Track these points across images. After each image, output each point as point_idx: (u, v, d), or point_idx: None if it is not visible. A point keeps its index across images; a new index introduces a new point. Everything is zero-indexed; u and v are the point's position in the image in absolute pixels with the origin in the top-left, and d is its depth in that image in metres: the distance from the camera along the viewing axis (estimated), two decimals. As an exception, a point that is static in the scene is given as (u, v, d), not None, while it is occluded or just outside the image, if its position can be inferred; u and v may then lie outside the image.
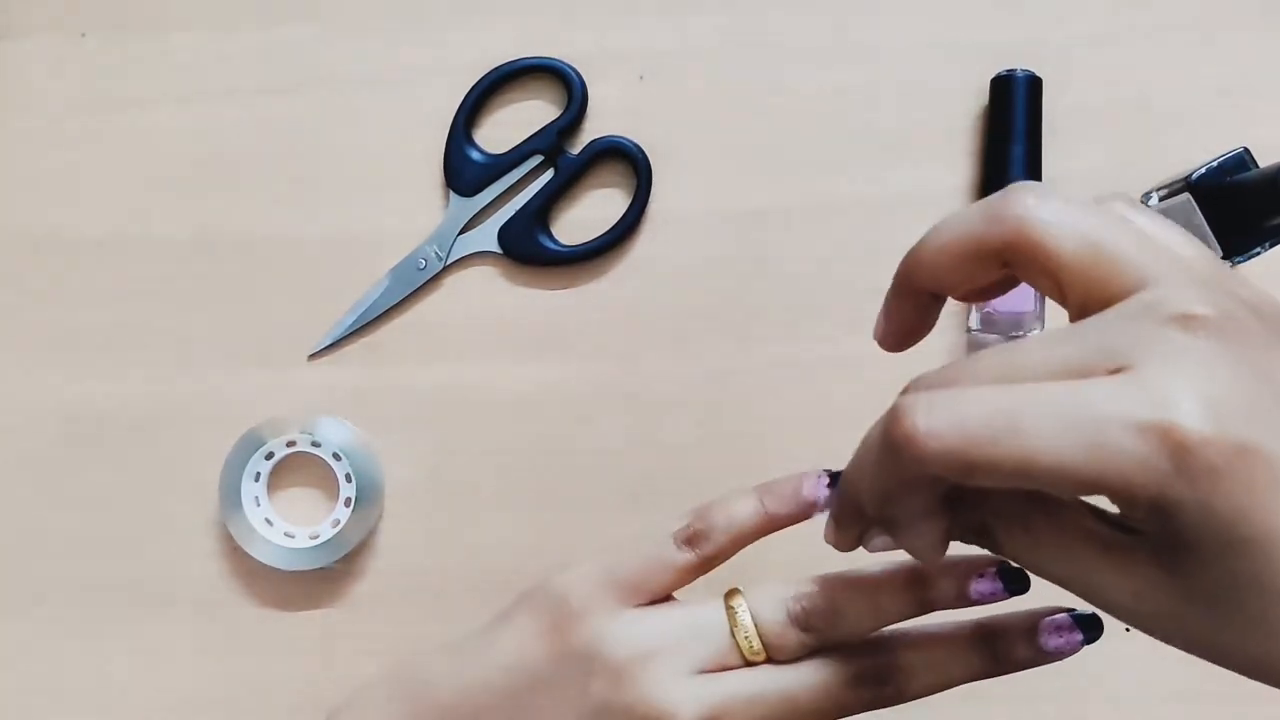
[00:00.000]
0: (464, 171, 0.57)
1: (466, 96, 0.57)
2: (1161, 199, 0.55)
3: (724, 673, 0.38)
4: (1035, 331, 0.55)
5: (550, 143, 0.57)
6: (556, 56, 0.57)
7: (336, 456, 0.57)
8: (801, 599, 0.38)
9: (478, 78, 0.57)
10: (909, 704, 0.45)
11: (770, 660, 0.38)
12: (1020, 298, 0.54)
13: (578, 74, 0.57)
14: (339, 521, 0.56)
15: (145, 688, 0.57)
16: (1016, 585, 0.37)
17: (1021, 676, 0.57)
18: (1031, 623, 0.37)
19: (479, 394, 0.57)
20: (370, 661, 0.57)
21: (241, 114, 0.58)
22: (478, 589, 0.57)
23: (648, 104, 0.57)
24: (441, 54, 0.58)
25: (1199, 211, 0.52)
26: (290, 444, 0.57)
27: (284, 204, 0.58)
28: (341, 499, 0.57)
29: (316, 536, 0.57)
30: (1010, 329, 0.55)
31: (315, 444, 0.57)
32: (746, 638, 0.38)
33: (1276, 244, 0.52)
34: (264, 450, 0.57)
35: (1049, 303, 0.56)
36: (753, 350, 0.57)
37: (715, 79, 0.57)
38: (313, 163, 0.58)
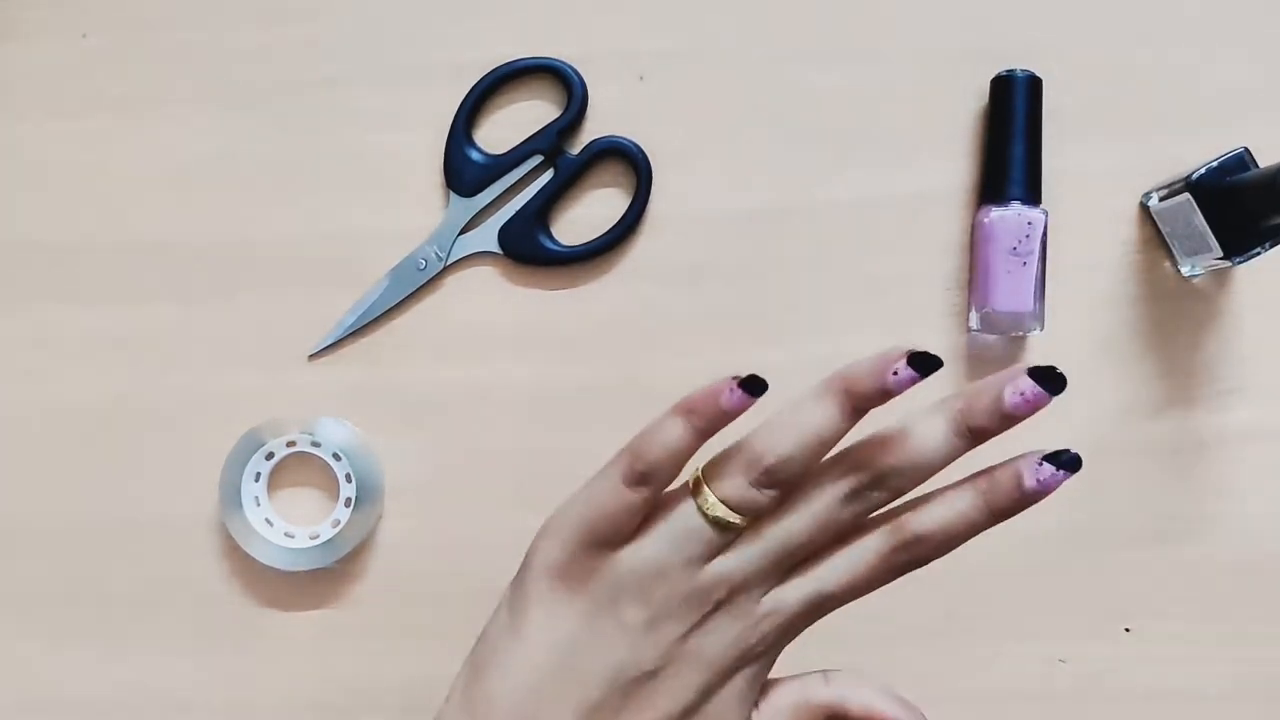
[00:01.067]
0: (464, 171, 0.57)
1: (466, 96, 0.57)
2: (1161, 199, 0.55)
3: (726, 547, 0.41)
4: (1035, 331, 0.55)
5: (550, 143, 0.57)
6: (556, 56, 0.57)
7: (336, 456, 0.57)
8: (752, 469, 0.40)
9: (478, 78, 0.57)
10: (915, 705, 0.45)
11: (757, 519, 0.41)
12: (1020, 297, 0.54)
13: (578, 74, 0.57)
14: (339, 521, 0.57)
15: (145, 687, 0.57)
16: (928, 365, 0.39)
17: (1021, 677, 0.57)
18: (1016, 467, 0.40)
19: (479, 394, 0.57)
20: (370, 661, 0.57)
21: (242, 114, 0.58)
22: (478, 589, 0.57)
23: (648, 104, 0.57)
24: (441, 54, 0.58)
25: (1199, 211, 0.52)
26: (290, 444, 0.57)
27: (284, 204, 0.58)
28: (341, 499, 0.57)
29: (316, 536, 0.57)
30: (1010, 328, 0.55)
31: (315, 444, 0.57)
32: (726, 519, 0.41)
33: (1276, 244, 0.52)
34: (264, 450, 0.57)
35: (1048, 302, 0.56)
36: (753, 350, 0.57)
37: (715, 79, 0.57)
38: (313, 163, 0.58)
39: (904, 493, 0.41)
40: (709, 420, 0.41)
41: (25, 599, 0.58)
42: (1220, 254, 0.52)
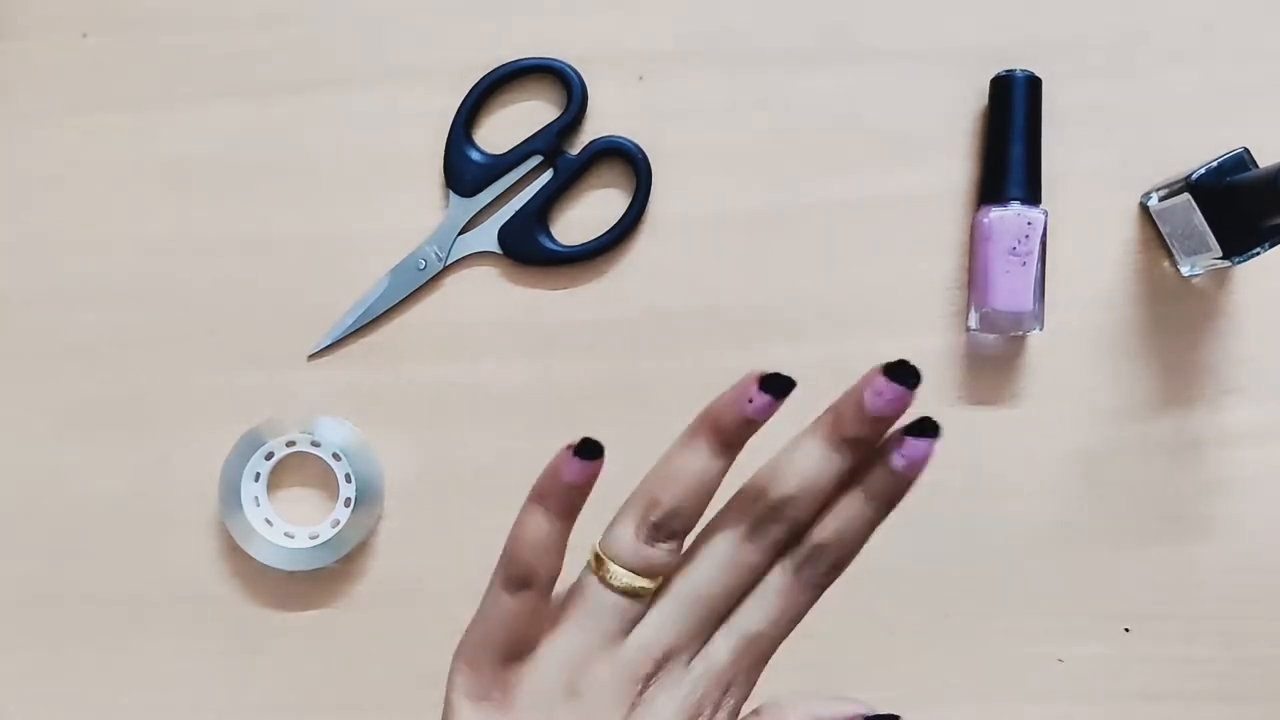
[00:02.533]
0: (464, 171, 0.57)
1: (466, 96, 0.57)
2: (1161, 199, 0.55)
3: (643, 617, 0.40)
4: (1035, 331, 0.55)
5: (550, 143, 0.57)
6: (556, 56, 0.57)
7: (336, 456, 0.57)
8: (642, 527, 0.40)
9: (478, 78, 0.57)
10: (915, 705, 0.45)
11: (665, 579, 0.40)
12: (1020, 297, 0.54)
13: (578, 74, 0.57)
14: (339, 521, 0.56)
15: (145, 687, 0.57)
16: (781, 387, 0.39)
17: (1021, 677, 0.57)
18: (884, 454, 0.40)
19: (479, 394, 0.57)
20: (370, 661, 0.57)
21: (242, 114, 0.58)
22: (477, 589, 0.57)
23: (648, 104, 0.57)
24: (441, 54, 0.58)
25: (1199, 211, 0.52)
26: (290, 444, 0.57)
27: (284, 204, 0.58)
28: (341, 499, 0.57)
29: (316, 536, 0.57)
30: (1010, 328, 0.55)
31: (315, 444, 0.57)
32: (633, 586, 0.40)
33: (1276, 244, 0.52)
34: (264, 450, 0.57)
35: (1048, 302, 0.56)
36: (753, 350, 0.57)
37: (715, 79, 0.57)
38: (313, 163, 0.58)
39: (801, 522, 0.40)
40: (561, 500, 0.40)
41: (25, 598, 0.58)
42: (1220, 254, 0.52)
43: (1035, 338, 0.57)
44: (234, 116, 0.58)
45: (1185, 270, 0.56)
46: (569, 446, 0.40)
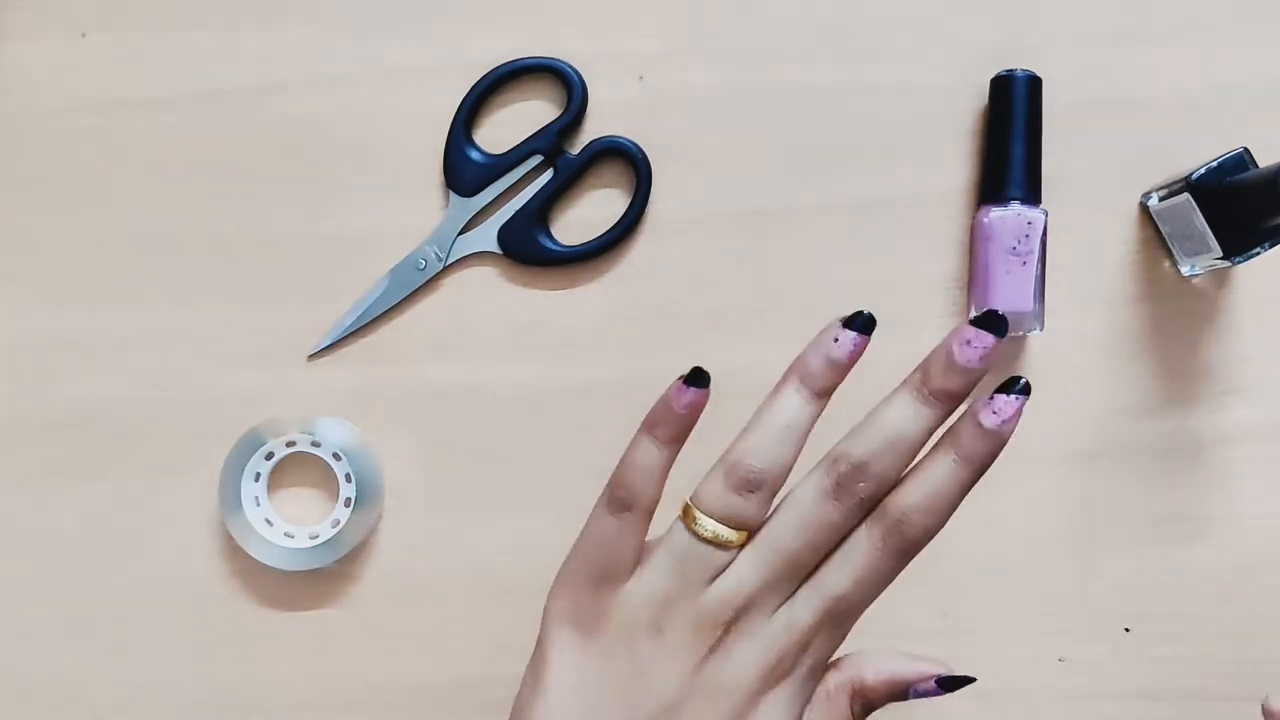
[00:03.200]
0: (464, 171, 0.57)
1: (466, 96, 0.57)
2: (1161, 199, 0.55)
3: (729, 567, 0.41)
4: (1035, 331, 0.55)
5: (550, 143, 0.57)
6: (556, 56, 0.57)
7: (336, 456, 0.57)
8: (730, 477, 0.41)
9: (478, 78, 0.57)
10: (915, 706, 0.46)
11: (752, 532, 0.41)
12: (1020, 297, 0.54)
13: (578, 74, 0.57)
14: (339, 521, 0.56)
15: (145, 687, 0.57)
16: (865, 325, 0.41)
17: (1021, 677, 0.57)
18: (971, 413, 0.40)
19: (479, 394, 0.57)
20: (370, 661, 0.57)
21: (242, 114, 0.58)
22: (477, 589, 0.57)
23: (648, 104, 0.57)
24: (441, 54, 0.58)
25: (1199, 211, 0.52)
26: (290, 444, 0.57)
27: (284, 204, 0.58)
28: (341, 499, 0.57)
29: (316, 536, 0.57)
30: (1010, 328, 0.55)
31: (315, 444, 0.57)
32: (720, 535, 0.41)
33: (1276, 244, 0.52)
34: (264, 450, 0.57)
35: (1048, 302, 0.56)
36: (753, 350, 0.57)
37: (715, 79, 0.57)
38: (313, 163, 0.58)
39: (888, 479, 0.40)
40: (671, 427, 0.41)
41: (25, 599, 0.58)
42: (1220, 254, 0.52)
43: (1035, 338, 0.57)
44: (234, 116, 0.58)
45: (1185, 270, 0.56)
46: (680, 377, 0.41)
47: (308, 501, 0.58)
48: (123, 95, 0.58)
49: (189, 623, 0.57)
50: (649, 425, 0.42)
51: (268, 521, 0.57)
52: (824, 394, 0.41)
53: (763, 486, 0.41)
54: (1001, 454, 0.41)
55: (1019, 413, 0.40)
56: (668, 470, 0.42)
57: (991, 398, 0.40)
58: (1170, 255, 0.57)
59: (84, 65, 0.58)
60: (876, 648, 0.44)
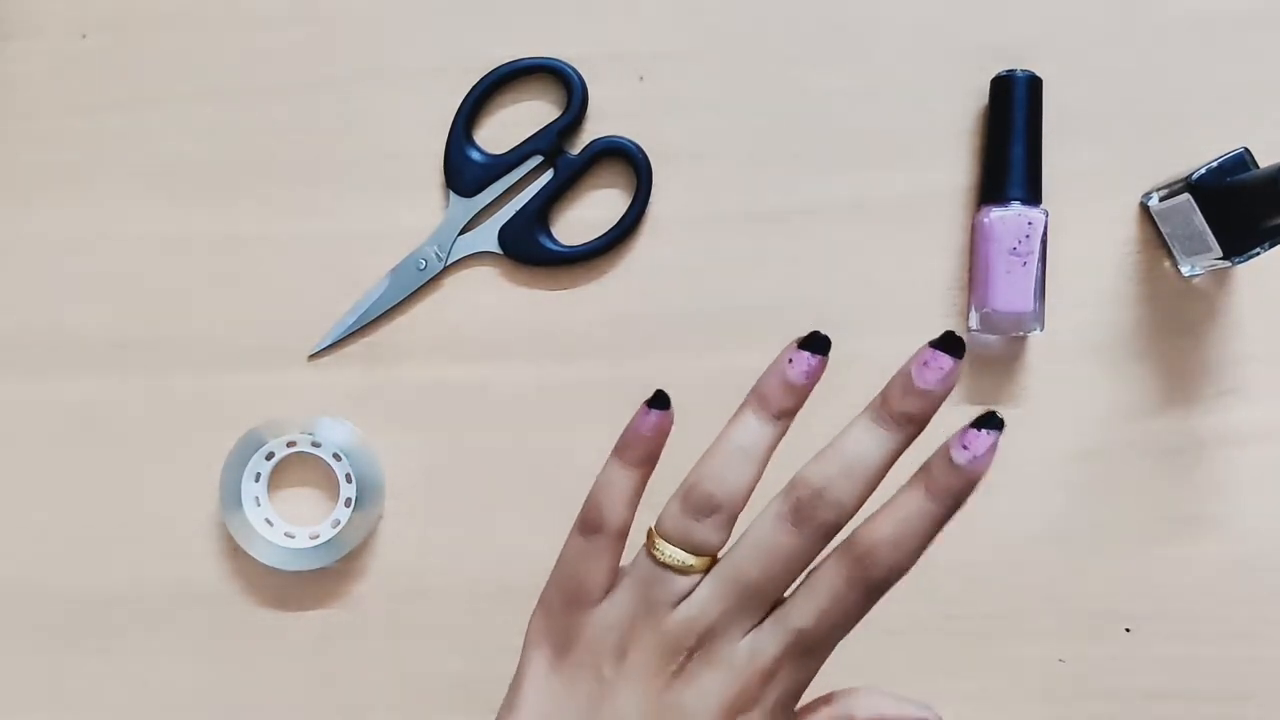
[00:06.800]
0: (464, 171, 0.57)
1: (466, 96, 0.57)
2: (1161, 199, 0.55)
3: (692, 593, 0.41)
4: (1035, 331, 0.55)
5: (550, 143, 0.57)
6: (556, 56, 0.57)
7: (336, 456, 0.57)
8: (686, 502, 0.40)
9: (478, 78, 0.57)
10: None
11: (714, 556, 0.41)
12: (1020, 297, 0.54)
13: (578, 74, 0.57)
14: (339, 521, 0.57)
15: (145, 687, 0.57)
16: (819, 345, 0.41)
17: (1021, 677, 0.57)
18: (944, 448, 0.39)
19: (479, 394, 0.57)
20: (370, 661, 0.57)
21: (242, 114, 0.58)
22: (477, 589, 0.57)
23: (648, 104, 0.57)
24: (441, 54, 0.58)
25: (1199, 211, 0.52)
26: (290, 444, 0.57)
27: (284, 204, 0.58)
28: (341, 499, 0.57)
29: (316, 536, 0.57)
30: (1010, 328, 0.56)
31: (315, 444, 0.57)
32: (680, 561, 0.40)
33: (1276, 244, 0.52)
34: (264, 450, 0.57)
35: (1048, 302, 0.56)
36: (753, 350, 0.57)
37: (715, 79, 0.57)
38: (313, 163, 0.58)
39: (847, 506, 0.39)
40: (637, 450, 0.42)
41: (25, 599, 0.58)
42: (1220, 254, 0.52)
43: (1035, 338, 0.57)
44: (234, 116, 0.58)
45: (1185, 270, 0.56)
46: (645, 403, 0.42)
47: (308, 501, 0.58)
48: (123, 95, 0.58)
49: (189, 623, 0.57)
50: (617, 449, 0.42)
51: (268, 521, 0.57)
52: (783, 415, 0.41)
53: (720, 510, 0.40)
54: (1000, 453, 0.40)
55: (993, 449, 0.38)
56: (639, 492, 0.42)
57: (964, 432, 0.38)
58: (1170, 255, 0.57)
59: (84, 65, 0.58)
60: (868, 686, 0.44)
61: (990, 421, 0.38)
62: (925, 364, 0.39)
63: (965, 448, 0.38)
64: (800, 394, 0.41)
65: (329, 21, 0.58)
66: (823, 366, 0.41)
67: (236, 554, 0.57)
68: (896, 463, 0.39)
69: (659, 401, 0.42)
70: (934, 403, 0.39)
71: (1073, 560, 0.56)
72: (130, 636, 0.58)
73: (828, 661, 0.44)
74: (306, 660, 0.57)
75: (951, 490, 0.38)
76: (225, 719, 0.57)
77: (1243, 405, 0.56)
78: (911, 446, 0.40)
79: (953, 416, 0.57)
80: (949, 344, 0.39)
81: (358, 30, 0.58)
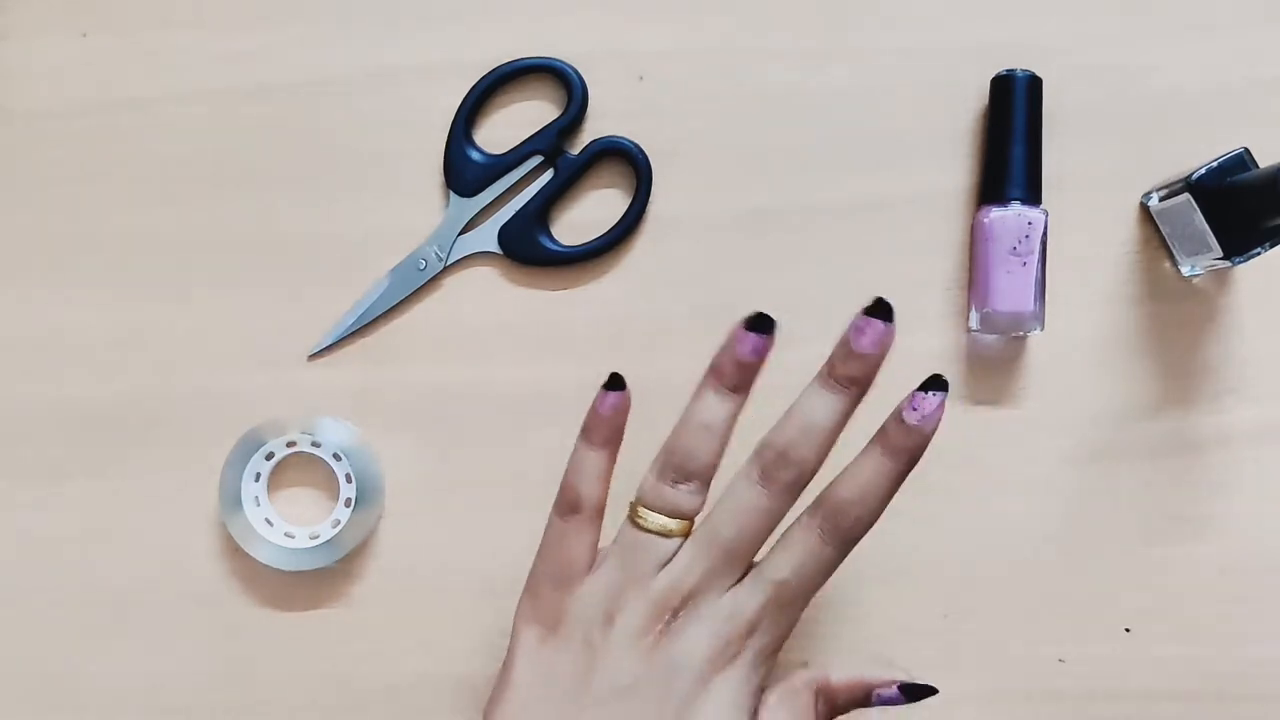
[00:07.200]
0: (464, 171, 0.57)
1: (466, 96, 0.57)
2: (1161, 199, 0.55)
3: (675, 556, 0.44)
4: (1035, 331, 0.55)
5: (550, 143, 0.57)
6: (556, 56, 0.57)
7: (336, 456, 0.57)
8: (662, 473, 0.45)
9: (478, 78, 0.57)
10: (915, 707, 0.46)
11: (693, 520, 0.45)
12: (1020, 297, 0.54)
13: (578, 74, 0.57)
14: (339, 521, 0.57)
15: (145, 687, 0.57)
16: (763, 325, 0.45)
17: (1021, 677, 0.57)
18: (897, 411, 0.44)
19: (479, 394, 0.57)
20: (370, 661, 0.57)
21: (241, 114, 0.58)
22: (478, 589, 0.57)
23: (648, 104, 0.57)
24: (441, 54, 0.58)
25: (1199, 211, 0.52)
26: (290, 444, 0.57)
27: (284, 204, 0.58)
28: (341, 499, 0.57)
29: (316, 536, 0.57)
30: (1010, 329, 0.56)
31: (315, 444, 0.57)
32: (662, 525, 0.44)
33: (1276, 244, 0.52)
34: (264, 450, 0.57)
35: (1048, 302, 0.56)
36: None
37: (715, 79, 0.57)
38: (313, 163, 0.58)
39: (809, 464, 0.44)
40: (600, 431, 0.45)
41: (25, 598, 0.58)
42: (1220, 254, 0.52)
43: (1035, 338, 0.57)
44: (234, 116, 0.58)
45: (1185, 270, 0.56)
46: (603, 385, 0.46)
47: (308, 501, 0.58)
48: (123, 95, 0.58)
49: (189, 623, 0.57)
50: (583, 432, 0.46)
51: (268, 521, 0.57)
52: (739, 389, 0.45)
53: (693, 477, 0.44)
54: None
55: (940, 408, 0.43)
56: (609, 471, 0.46)
57: (913, 395, 0.43)
58: (1170, 255, 0.57)
59: (84, 65, 0.58)
60: (846, 656, 0.48)
61: (936, 384, 0.44)
62: (860, 330, 0.43)
63: (915, 409, 0.43)
64: (752, 370, 0.45)
65: (329, 21, 0.58)
66: (769, 344, 0.44)
67: (236, 554, 0.57)
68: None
69: (614, 384, 0.46)
70: (873, 365, 0.44)
71: (1073, 560, 0.56)
72: (129, 636, 0.58)
73: (827, 656, 0.45)
74: (306, 660, 0.57)
75: (906, 448, 0.43)
76: (225, 719, 0.57)
77: (1243, 405, 0.56)
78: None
79: (953, 416, 0.58)
80: (879, 310, 0.43)
81: (358, 30, 0.58)
